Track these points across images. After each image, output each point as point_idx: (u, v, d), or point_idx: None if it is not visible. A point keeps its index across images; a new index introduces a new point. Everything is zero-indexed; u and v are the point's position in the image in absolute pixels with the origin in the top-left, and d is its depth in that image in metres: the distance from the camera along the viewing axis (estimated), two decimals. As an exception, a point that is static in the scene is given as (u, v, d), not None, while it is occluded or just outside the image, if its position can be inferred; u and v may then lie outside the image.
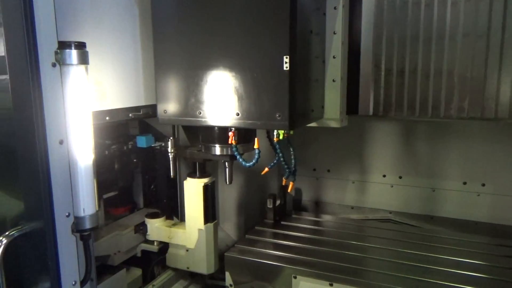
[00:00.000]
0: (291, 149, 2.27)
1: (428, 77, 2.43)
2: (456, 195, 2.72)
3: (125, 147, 2.58)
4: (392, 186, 2.89)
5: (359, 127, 2.88)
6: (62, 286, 1.51)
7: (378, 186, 2.92)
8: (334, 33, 2.30)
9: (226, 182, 2.39)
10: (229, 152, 2.19)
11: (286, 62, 1.83)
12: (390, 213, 2.92)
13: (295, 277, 2.19)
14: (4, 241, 1.43)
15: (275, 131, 2.02)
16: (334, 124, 2.40)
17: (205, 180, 2.43)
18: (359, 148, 2.92)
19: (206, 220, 2.44)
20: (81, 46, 1.55)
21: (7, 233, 1.45)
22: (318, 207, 3.12)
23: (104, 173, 2.49)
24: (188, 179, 2.46)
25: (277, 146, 2.12)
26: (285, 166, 2.25)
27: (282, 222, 2.80)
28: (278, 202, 2.86)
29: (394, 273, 2.11)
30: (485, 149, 2.61)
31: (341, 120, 2.41)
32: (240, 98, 1.96)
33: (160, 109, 2.16)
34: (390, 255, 2.30)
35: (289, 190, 2.28)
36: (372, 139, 2.88)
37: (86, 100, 1.59)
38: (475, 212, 2.69)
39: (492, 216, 2.66)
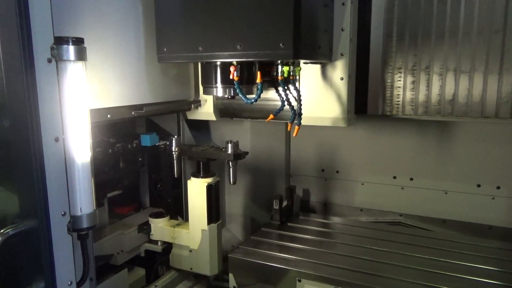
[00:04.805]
0: (297, 91, 2.15)
1: (441, 75, 2.34)
2: (469, 198, 2.62)
3: (129, 146, 2.56)
4: (403, 188, 2.80)
5: (368, 127, 2.81)
6: (57, 286, 1.49)
7: (388, 187, 2.84)
8: (342, 29, 2.23)
9: (230, 182, 2.34)
10: (231, 93, 2.09)
11: None
12: (401, 215, 2.83)
13: (299, 280, 2.14)
14: (-2, 239, 1.41)
15: (280, 69, 1.93)
16: (342, 124, 2.33)
17: (209, 180, 2.39)
18: (369, 148, 2.84)
19: (210, 221, 2.40)
20: (79, 42, 1.52)
21: (1, 231, 1.43)
22: (326, 208, 3.05)
23: (108, 172, 2.47)
24: (192, 178, 2.42)
25: (281, 85, 2.02)
26: (290, 107, 2.12)
27: (289, 224, 2.74)
28: (285, 203, 2.80)
29: (403, 279, 2.03)
30: (501, 150, 2.51)
31: (349, 120, 2.34)
32: (242, 29, 1.86)
33: (159, 47, 2.09)
34: (400, 259, 2.22)
35: (294, 135, 2.13)
36: (382, 139, 2.79)
37: (84, 97, 1.56)
38: (489, 216, 2.58)
39: (507, 220, 2.55)
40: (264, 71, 2.11)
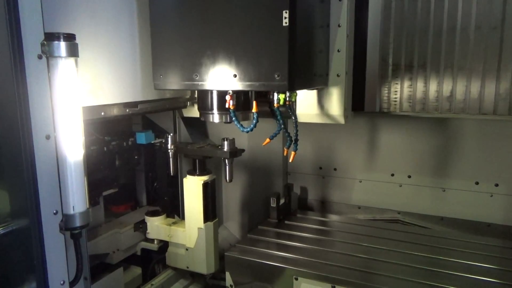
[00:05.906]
0: (293, 117, 2.16)
1: (438, 71, 2.33)
2: (467, 195, 2.60)
3: (125, 144, 2.54)
4: (400, 186, 2.78)
5: (365, 124, 2.79)
6: (49, 286, 1.47)
7: (386, 185, 2.82)
8: (339, 26, 2.21)
9: (226, 180, 2.32)
10: (228, 119, 2.10)
11: (285, 18, 1.74)
12: (399, 213, 2.81)
13: (296, 279, 2.12)
14: (-11, 238, 1.39)
15: (276, 96, 1.95)
16: (339, 121, 2.31)
17: (205, 177, 2.37)
18: (367, 146, 2.82)
19: (206, 219, 2.38)
20: (70, 37, 1.49)
21: (-8, 230, 1.41)
22: (324, 206, 3.04)
23: (104, 170, 2.45)
24: (188, 176, 2.40)
25: (277, 112, 2.03)
26: (287, 134, 2.14)
27: (286, 222, 2.72)
28: (282, 201, 2.79)
29: (401, 277, 2.01)
30: (499, 147, 2.49)
31: (346, 117, 2.32)
32: (237, 59, 1.88)
33: (155, 74, 2.09)
34: (398, 257, 2.21)
35: (290, 160, 2.16)
36: (380, 136, 2.78)
37: (76, 94, 1.54)
38: (487, 213, 2.57)
39: (505, 218, 2.53)
40: (260, 94, 2.15)
